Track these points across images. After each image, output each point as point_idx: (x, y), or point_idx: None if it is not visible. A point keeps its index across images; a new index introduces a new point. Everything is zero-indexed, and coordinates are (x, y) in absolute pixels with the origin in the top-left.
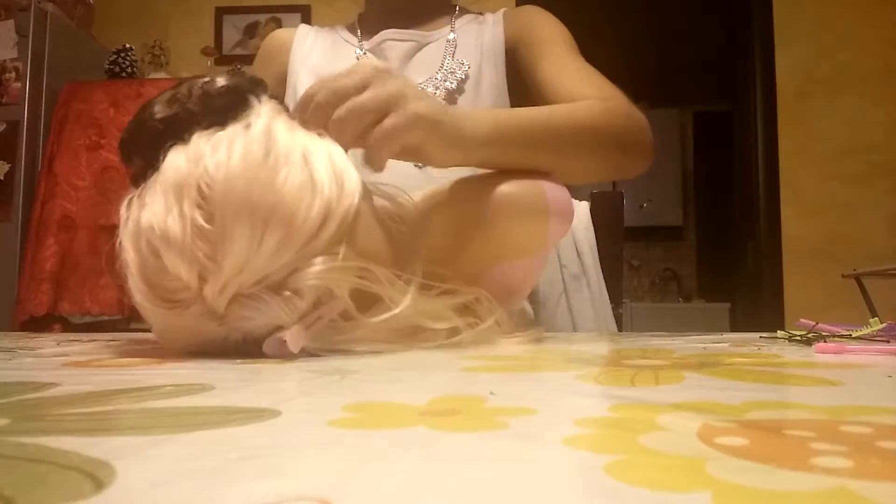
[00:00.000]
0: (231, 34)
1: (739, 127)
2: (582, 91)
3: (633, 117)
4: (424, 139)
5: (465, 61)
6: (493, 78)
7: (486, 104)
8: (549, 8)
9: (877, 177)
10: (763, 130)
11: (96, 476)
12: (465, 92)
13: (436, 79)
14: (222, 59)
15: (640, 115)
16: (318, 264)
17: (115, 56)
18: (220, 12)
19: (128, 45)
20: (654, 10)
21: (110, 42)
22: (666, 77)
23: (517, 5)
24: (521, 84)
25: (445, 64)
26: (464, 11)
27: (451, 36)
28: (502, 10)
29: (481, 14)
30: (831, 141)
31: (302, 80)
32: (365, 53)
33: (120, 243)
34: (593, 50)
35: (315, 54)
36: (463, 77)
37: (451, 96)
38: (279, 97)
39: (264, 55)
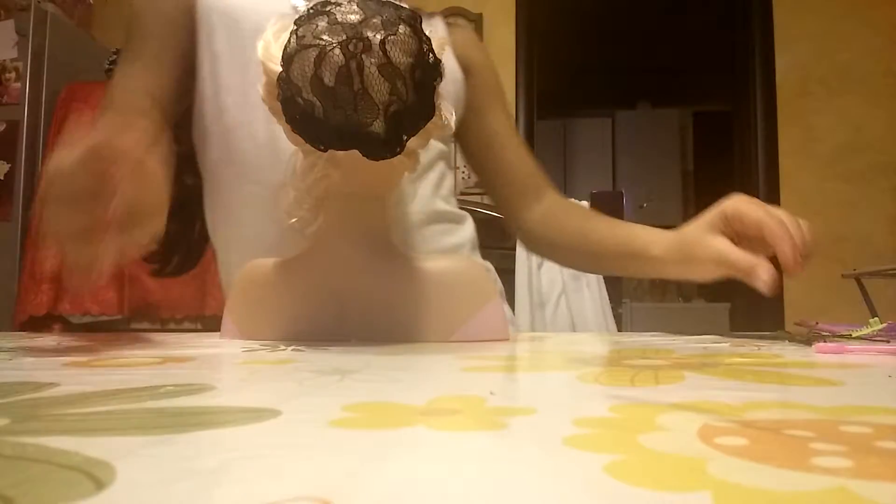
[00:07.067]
0: None
1: (739, 127)
2: (523, 166)
3: None
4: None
5: None
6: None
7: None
8: (549, 10)
9: (877, 177)
10: (763, 130)
11: (96, 476)
12: None
13: None
14: None
15: None
16: None
17: (115, 56)
18: None
19: None
20: (655, 10)
21: (110, 42)
22: (666, 77)
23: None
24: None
25: None
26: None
27: None
28: (440, 17)
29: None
30: (831, 141)
31: (218, 20)
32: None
33: None
34: (594, 50)
35: None
36: None
37: None
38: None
39: None
